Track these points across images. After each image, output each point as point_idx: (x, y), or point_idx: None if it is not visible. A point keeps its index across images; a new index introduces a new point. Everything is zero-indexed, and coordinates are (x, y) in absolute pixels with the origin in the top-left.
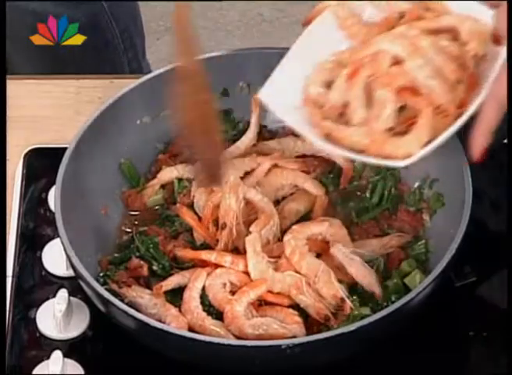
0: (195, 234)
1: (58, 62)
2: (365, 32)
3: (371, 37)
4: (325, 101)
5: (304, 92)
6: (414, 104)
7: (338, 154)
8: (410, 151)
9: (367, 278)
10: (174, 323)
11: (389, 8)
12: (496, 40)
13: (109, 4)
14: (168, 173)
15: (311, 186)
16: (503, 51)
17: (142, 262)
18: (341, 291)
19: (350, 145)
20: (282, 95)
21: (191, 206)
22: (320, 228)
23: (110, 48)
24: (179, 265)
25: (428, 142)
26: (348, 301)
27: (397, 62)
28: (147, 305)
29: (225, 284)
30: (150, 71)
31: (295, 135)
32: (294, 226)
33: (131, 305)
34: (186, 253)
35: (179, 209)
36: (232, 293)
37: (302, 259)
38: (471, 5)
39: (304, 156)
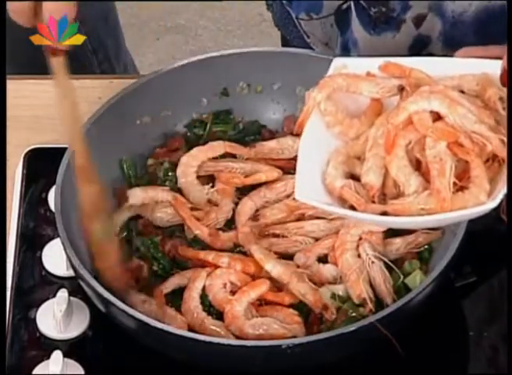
0: (186, 229)
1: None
2: (357, 122)
3: (364, 126)
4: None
5: (332, 188)
6: (465, 156)
7: (420, 223)
8: (479, 202)
9: (381, 286)
10: (173, 323)
11: (382, 85)
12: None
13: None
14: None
15: None
16: None
17: (142, 263)
18: (365, 293)
19: (411, 215)
20: (317, 193)
21: None
22: (374, 227)
23: (76, 50)
24: (179, 265)
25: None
26: (369, 304)
27: (436, 118)
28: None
29: (225, 284)
30: (134, 70)
31: (294, 135)
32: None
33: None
34: (186, 252)
35: (174, 200)
36: (233, 293)
37: (342, 255)
38: (469, 64)
39: None
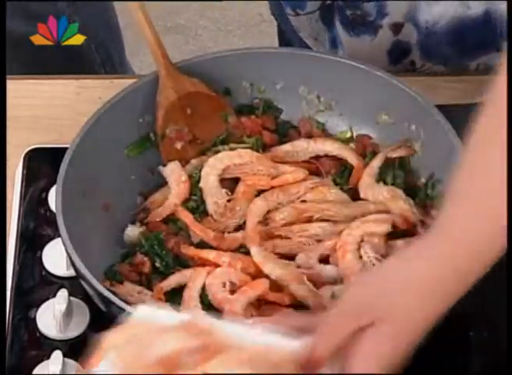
0: (191, 233)
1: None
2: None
3: None
4: None
5: None
6: None
7: None
8: None
9: None
10: None
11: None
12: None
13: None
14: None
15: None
16: None
17: (145, 259)
18: None
19: None
20: None
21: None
22: (376, 228)
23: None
24: (182, 263)
25: None
26: None
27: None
28: (136, 304)
29: (225, 284)
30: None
31: (307, 137)
32: (356, 223)
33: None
34: (188, 251)
35: (176, 209)
36: (232, 292)
37: (344, 256)
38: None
39: (317, 157)
